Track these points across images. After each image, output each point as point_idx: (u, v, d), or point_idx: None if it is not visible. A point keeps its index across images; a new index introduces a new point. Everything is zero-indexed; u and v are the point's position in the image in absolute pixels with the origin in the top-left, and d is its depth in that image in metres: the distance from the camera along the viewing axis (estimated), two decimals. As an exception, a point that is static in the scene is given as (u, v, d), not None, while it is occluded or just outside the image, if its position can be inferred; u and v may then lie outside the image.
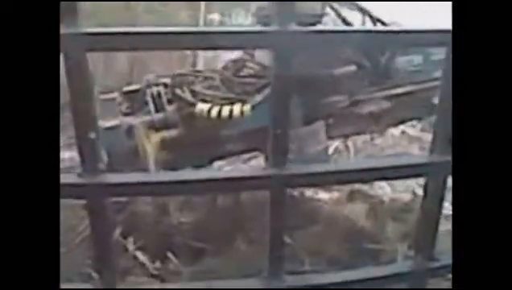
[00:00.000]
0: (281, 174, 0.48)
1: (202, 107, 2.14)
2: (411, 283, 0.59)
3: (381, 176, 0.53)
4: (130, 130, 2.15)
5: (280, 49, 0.46)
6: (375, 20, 2.39)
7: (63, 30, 0.42)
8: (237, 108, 2.11)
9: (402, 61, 2.38)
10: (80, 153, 0.46)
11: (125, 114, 2.27)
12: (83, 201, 0.47)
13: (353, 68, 2.33)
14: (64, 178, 0.47)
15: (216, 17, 5.37)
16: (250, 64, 2.32)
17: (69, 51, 0.43)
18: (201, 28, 0.44)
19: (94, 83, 0.46)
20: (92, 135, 0.43)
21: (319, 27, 0.47)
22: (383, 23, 2.44)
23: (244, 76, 2.31)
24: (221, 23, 5.41)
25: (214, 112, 2.11)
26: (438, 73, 2.41)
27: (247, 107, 2.11)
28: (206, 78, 2.35)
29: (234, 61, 2.32)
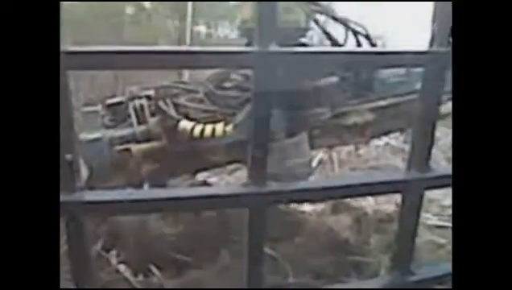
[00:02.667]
0: (260, 192, 0.48)
1: (185, 125, 2.15)
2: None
3: (360, 193, 0.54)
4: (112, 142, 2.14)
5: (261, 69, 0.47)
6: (357, 35, 2.41)
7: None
8: (219, 128, 2.12)
9: (385, 73, 2.41)
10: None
11: (108, 127, 2.26)
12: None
13: (334, 79, 2.35)
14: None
15: (202, 29, 5.39)
16: (234, 76, 2.33)
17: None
18: (183, 48, 0.44)
19: (72, 105, 0.46)
20: (69, 157, 0.43)
21: (299, 49, 0.48)
22: (367, 37, 2.46)
23: (227, 88, 2.31)
24: (208, 35, 5.42)
25: (197, 131, 2.12)
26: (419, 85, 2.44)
27: (229, 127, 2.13)
28: (190, 91, 2.36)
29: (217, 73, 2.33)
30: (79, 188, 0.46)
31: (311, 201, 0.54)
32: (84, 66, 0.45)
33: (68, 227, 0.47)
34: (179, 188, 0.51)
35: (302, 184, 0.49)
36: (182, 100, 2.26)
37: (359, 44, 2.34)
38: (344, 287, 0.55)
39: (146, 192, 0.45)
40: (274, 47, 0.46)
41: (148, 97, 2.27)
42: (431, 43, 0.53)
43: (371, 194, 0.54)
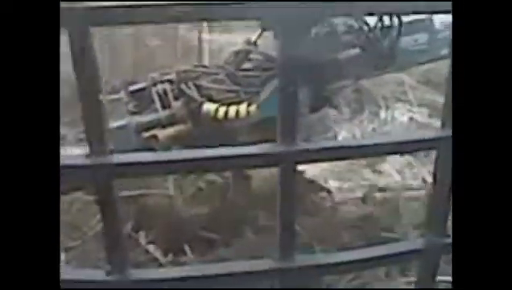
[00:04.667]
0: (290, 150, 0.47)
1: (208, 108, 2.15)
2: (424, 260, 0.58)
3: (394, 150, 0.52)
4: (138, 128, 2.15)
5: (281, 21, 0.45)
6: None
7: (65, 5, 0.41)
8: (243, 108, 2.12)
9: (406, 41, 2.34)
10: (87, 131, 0.45)
11: (133, 113, 2.28)
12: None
13: (356, 50, 2.30)
14: (71, 159, 0.47)
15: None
16: (254, 55, 2.31)
17: (72, 26, 0.42)
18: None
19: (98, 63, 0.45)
20: (100, 97, 0.43)
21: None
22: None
23: (248, 70, 2.30)
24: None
25: (221, 113, 2.12)
26: (444, 51, 2.37)
27: (253, 107, 2.12)
28: (210, 74, 2.35)
29: (237, 53, 2.31)
30: (109, 150, 0.46)
31: (342, 159, 0.53)
32: (105, 22, 0.44)
33: (98, 191, 0.47)
34: (208, 149, 0.51)
35: (332, 142, 0.48)
36: (204, 82, 2.25)
37: (381, 19, 2.29)
38: (378, 252, 0.54)
39: (175, 153, 0.44)
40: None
41: (170, 82, 2.28)
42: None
43: (404, 152, 0.52)
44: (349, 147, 0.50)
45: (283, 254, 0.49)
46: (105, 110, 0.47)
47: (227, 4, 0.43)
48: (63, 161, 0.47)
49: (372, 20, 2.26)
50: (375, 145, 0.51)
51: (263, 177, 2.37)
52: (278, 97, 0.47)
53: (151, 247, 2.21)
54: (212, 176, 2.51)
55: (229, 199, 2.38)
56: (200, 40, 4.43)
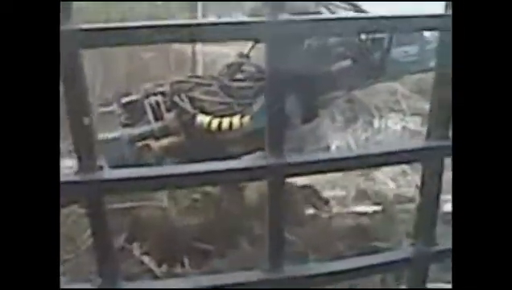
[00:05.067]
0: (279, 163, 0.48)
1: (202, 119, 2.17)
2: (413, 269, 0.59)
3: (380, 163, 0.53)
4: (130, 140, 2.16)
5: (272, 42, 0.46)
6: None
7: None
8: (236, 120, 2.14)
9: (397, 52, 2.38)
10: (76, 148, 0.46)
11: (125, 125, 2.28)
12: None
13: (348, 62, 2.33)
14: (61, 176, 0.47)
15: (213, 20, 5.38)
16: (246, 67, 2.33)
17: (63, 47, 0.43)
18: (196, 21, 0.44)
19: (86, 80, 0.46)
20: (87, 121, 0.43)
21: (310, 16, 0.47)
22: None
23: (241, 80, 2.32)
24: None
25: (214, 125, 2.14)
26: (434, 62, 2.40)
27: (246, 118, 2.13)
28: (204, 85, 2.37)
29: (229, 65, 2.34)
30: (98, 166, 0.47)
31: (331, 171, 0.54)
32: (98, 43, 0.45)
33: (88, 208, 0.48)
34: (198, 164, 0.52)
35: (321, 155, 0.49)
36: (197, 94, 2.27)
37: None
38: (369, 262, 0.55)
39: (164, 168, 0.45)
40: (286, 16, 0.46)
41: (163, 94, 2.29)
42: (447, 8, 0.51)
43: (392, 163, 0.53)
44: (338, 160, 0.50)
45: (273, 264, 0.50)
46: (93, 128, 0.47)
47: (219, 24, 0.44)
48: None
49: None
50: (362, 156, 0.51)
51: (257, 188, 2.38)
52: (266, 110, 0.47)
53: (146, 258, 2.21)
54: (206, 188, 2.51)
55: (224, 210, 2.38)
56: (193, 52, 4.46)
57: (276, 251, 0.50)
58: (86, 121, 0.45)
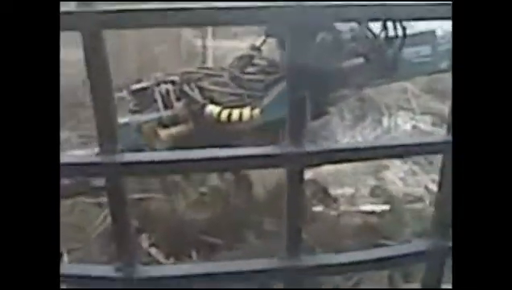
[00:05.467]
0: (298, 152, 0.48)
1: (212, 109, 2.16)
2: (428, 263, 0.58)
3: (401, 153, 0.52)
4: (138, 127, 2.16)
5: (296, 24, 0.46)
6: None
7: (78, 8, 0.42)
8: (246, 112, 2.12)
9: (409, 52, 2.36)
10: (99, 133, 0.46)
11: (134, 112, 2.28)
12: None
13: (360, 60, 2.32)
14: (82, 158, 0.48)
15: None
16: (257, 60, 2.32)
17: (85, 29, 0.43)
18: (215, 4, 0.44)
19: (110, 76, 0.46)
20: (110, 104, 0.44)
21: (323, 2, 0.47)
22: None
23: (252, 73, 2.31)
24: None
25: (224, 115, 2.13)
26: (445, 64, 2.39)
27: (256, 111, 2.12)
28: (214, 76, 2.36)
29: (240, 57, 2.33)
30: (119, 149, 0.47)
31: (349, 161, 0.53)
32: (116, 24, 0.45)
33: (108, 189, 0.48)
34: (218, 149, 0.51)
35: (341, 144, 0.49)
36: (207, 84, 2.26)
37: (385, 26, 2.30)
38: (384, 254, 0.54)
39: (182, 153, 0.45)
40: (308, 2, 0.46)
41: (173, 82, 2.29)
42: None
43: (411, 154, 0.53)
44: (358, 149, 0.50)
45: (290, 253, 0.50)
46: (115, 109, 0.48)
47: (234, 8, 0.44)
48: (73, 160, 0.48)
49: (376, 29, 2.27)
50: (384, 147, 0.51)
51: (264, 183, 2.38)
52: (288, 98, 0.47)
53: (153, 250, 2.22)
54: (214, 181, 2.51)
55: (232, 204, 2.39)
56: (204, 46, 4.46)
57: (294, 239, 0.50)
58: (109, 103, 0.45)
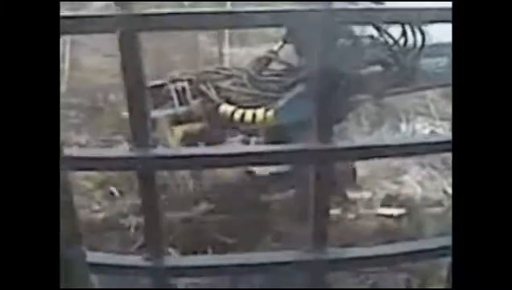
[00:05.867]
0: (327, 147, 0.49)
1: (226, 109, 2.16)
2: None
3: (428, 151, 0.53)
4: (153, 123, 2.18)
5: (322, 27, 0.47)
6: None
7: (117, 11, 0.44)
8: (260, 113, 2.13)
9: (428, 63, 2.35)
10: (132, 128, 0.48)
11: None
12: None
13: (379, 68, 2.32)
14: (117, 151, 0.50)
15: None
16: (275, 63, 2.33)
17: (123, 31, 0.45)
18: (244, 8, 0.45)
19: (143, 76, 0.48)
20: (145, 104, 0.46)
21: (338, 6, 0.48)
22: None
23: (269, 75, 2.31)
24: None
25: (237, 115, 2.13)
26: None
27: (270, 113, 2.13)
28: (231, 76, 2.37)
29: (258, 59, 2.33)
30: (151, 144, 0.49)
31: (373, 157, 0.54)
32: (151, 27, 0.47)
33: (140, 181, 0.50)
34: (248, 145, 0.53)
35: (365, 141, 0.50)
36: (223, 84, 2.27)
37: (405, 33, 2.29)
38: (410, 248, 0.55)
39: (215, 149, 0.46)
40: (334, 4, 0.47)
41: (190, 81, 2.31)
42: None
43: (439, 152, 0.54)
44: (387, 147, 0.51)
45: (315, 246, 0.51)
46: (148, 106, 0.50)
47: (256, 12, 0.46)
48: (107, 154, 0.50)
49: (396, 35, 2.27)
50: (409, 145, 0.52)
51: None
52: (315, 95, 0.49)
53: (170, 250, 2.23)
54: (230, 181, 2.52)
55: (248, 206, 2.39)
56: (220, 53, 4.49)
57: (320, 233, 0.51)
58: (143, 100, 0.47)
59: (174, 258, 0.51)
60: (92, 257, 0.48)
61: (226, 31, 4.97)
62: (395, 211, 2.66)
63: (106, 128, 3.08)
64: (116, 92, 3.53)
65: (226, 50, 4.63)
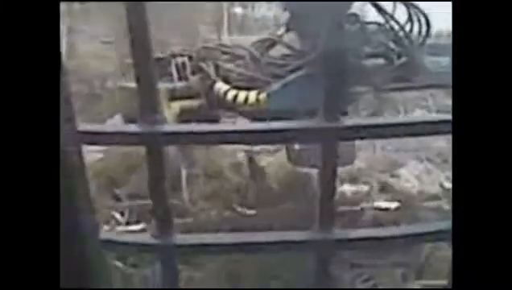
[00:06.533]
0: (333, 126, 0.49)
1: (220, 87, 2.14)
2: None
3: (437, 130, 0.53)
4: None
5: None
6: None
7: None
8: (252, 95, 2.10)
9: (429, 61, 2.34)
10: (141, 100, 0.48)
11: None
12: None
13: (381, 60, 2.31)
14: (126, 127, 0.49)
15: (238, 10, 5.39)
16: (279, 46, 2.29)
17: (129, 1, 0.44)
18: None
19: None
20: (153, 78, 0.45)
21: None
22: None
23: (272, 58, 2.28)
24: (244, 16, 5.42)
25: (230, 95, 2.11)
26: None
27: (263, 95, 2.10)
28: (232, 54, 2.34)
29: (262, 41, 2.29)
30: (160, 120, 0.48)
31: (383, 137, 0.54)
32: None
33: (148, 157, 0.49)
34: (257, 122, 0.53)
35: (375, 120, 0.50)
36: (223, 62, 2.25)
37: (411, 19, 2.28)
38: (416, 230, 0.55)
39: (226, 125, 0.46)
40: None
41: (190, 57, 2.28)
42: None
43: (431, 134, 0.53)
44: (395, 125, 0.51)
45: (322, 226, 0.51)
46: (156, 80, 0.49)
47: None
48: (114, 129, 0.50)
49: (402, 21, 2.25)
50: (423, 123, 0.51)
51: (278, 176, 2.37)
52: (323, 73, 0.48)
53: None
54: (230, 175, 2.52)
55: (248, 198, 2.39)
56: (219, 40, 4.47)
57: (327, 212, 0.51)
58: (151, 74, 0.46)
59: (182, 236, 0.50)
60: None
61: (225, 20, 4.95)
62: (391, 205, 2.67)
63: (105, 114, 3.07)
64: (114, 79, 3.52)
65: (225, 37, 4.62)
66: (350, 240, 0.52)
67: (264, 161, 2.81)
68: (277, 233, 0.51)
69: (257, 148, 2.84)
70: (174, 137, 0.49)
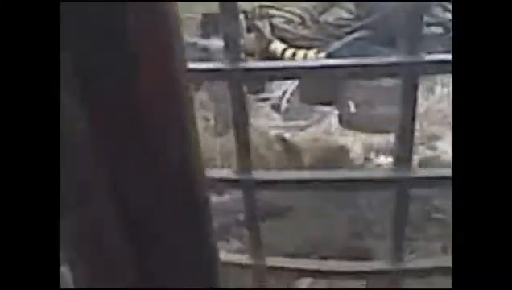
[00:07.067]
0: (414, 61, 0.49)
1: (276, 47, 2.12)
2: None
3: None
4: (204, 48, 2.17)
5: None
6: None
7: None
8: (311, 54, 2.07)
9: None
10: (225, 40, 0.49)
11: (202, 36, 2.29)
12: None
13: (439, 29, 2.27)
14: (209, 64, 0.51)
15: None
16: (337, 8, 2.26)
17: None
18: None
19: None
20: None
21: None
22: None
23: (332, 19, 2.25)
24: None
25: (288, 54, 2.08)
26: None
27: (322, 55, 2.07)
28: (290, 13, 2.32)
29: (319, 2, 2.26)
30: (241, 58, 0.50)
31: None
32: None
33: (231, 93, 0.51)
34: (332, 59, 0.54)
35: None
36: (279, 22, 2.24)
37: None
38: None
39: (299, 62, 0.47)
40: None
41: (246, 15, 2.28)
42: None
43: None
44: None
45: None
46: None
47: None
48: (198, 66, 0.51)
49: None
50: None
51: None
52: (383, 36, 0.48)
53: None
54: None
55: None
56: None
57: (408, 150, 0.52)
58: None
59: (261, 172, 0.52)
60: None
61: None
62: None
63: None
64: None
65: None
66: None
67: (297, 137, 2.80)
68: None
69: (289, 124, 2.83)
70: (256, 73, 0.51)
